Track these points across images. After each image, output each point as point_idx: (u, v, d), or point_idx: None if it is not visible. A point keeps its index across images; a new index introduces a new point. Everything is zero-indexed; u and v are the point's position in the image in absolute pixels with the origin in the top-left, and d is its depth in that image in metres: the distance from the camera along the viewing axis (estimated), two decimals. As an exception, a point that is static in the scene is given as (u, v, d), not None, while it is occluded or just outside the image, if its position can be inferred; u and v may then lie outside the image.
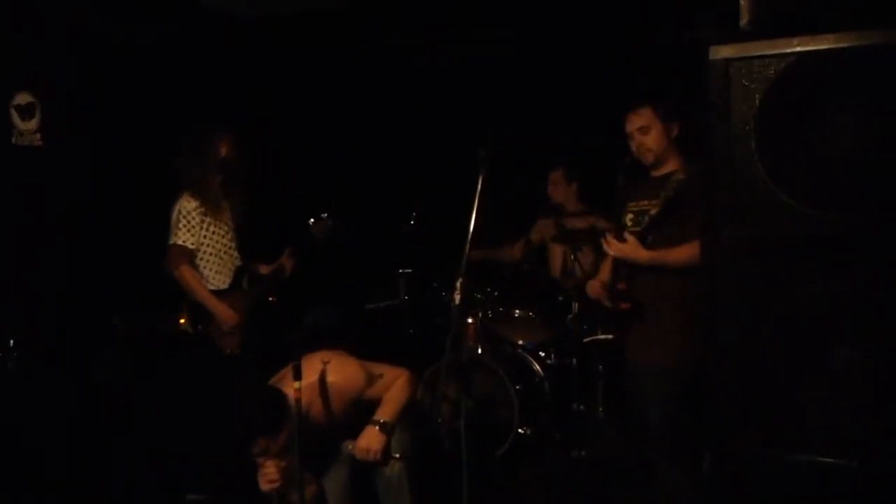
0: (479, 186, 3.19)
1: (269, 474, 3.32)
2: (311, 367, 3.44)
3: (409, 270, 5.71)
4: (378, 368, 3.61)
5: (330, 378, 3.47)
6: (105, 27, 4.80)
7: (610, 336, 4.96)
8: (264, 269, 4.67)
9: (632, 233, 3.56)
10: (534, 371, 5.26)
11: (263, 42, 5.54)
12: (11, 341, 4.31)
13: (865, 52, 2.22)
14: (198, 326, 4.34)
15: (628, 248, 3.55)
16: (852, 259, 2.23)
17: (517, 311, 5.56)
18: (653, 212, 3.51)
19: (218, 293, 4.36)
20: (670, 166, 3.64)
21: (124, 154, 4.73)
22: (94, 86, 4.76)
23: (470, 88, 6.10)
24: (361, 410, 3.56)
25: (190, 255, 4.32)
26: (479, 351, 5.26)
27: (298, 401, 3.23)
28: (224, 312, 4.30)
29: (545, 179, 5.67)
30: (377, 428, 3.46)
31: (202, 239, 4.35)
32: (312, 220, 4.52)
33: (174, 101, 4.96)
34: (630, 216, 3.68)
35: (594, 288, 3.78)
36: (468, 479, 3.08)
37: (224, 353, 4.34)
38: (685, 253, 3.43)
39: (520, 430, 5.00)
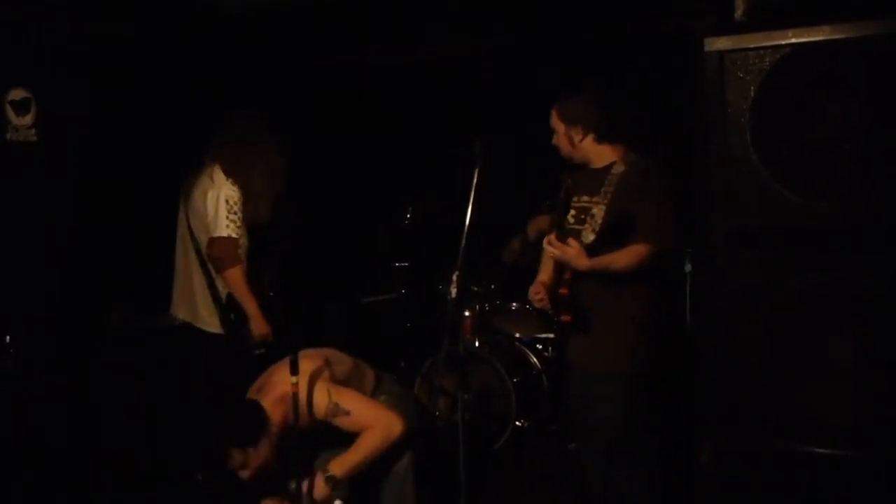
0: (474, 180, 3.18)
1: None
2: (274, 386, 3.37)
3: (406, 264, 5.71)
4: (350, 402, 3.37)
5: (300, 394, 3.27)
6: (99, 22, 4.79)
7: (551, 335, 5.00)
8: None
9: (573, 233, 3.37)
10: (531, 363, 5.26)
11: (256, 35, 5.52)
12: (7, 338, 4.31)
13: (860, 43, 2.23)
14: (229, 320, 4.18)
15: (570, 253, 3.28)
16: (848, 249, 2.24)
17: (514, 304, 5.56)
18: (596, 212, 3.36)
19: None
20: (608, 158, 3.50)
21: (119, 149, 4.71)
22: (90, 81, 4.75)
23: (467, 82, 6.08)
24: (326, 428, 3.42)
25: (239, 249, 4.12)
26: (477, 344, 5.27)
27: (296, 395, 3.23)
28: (261, 326, 4.14)
29: (542, 175, 5.67)
30: (323, 480, 3.29)
31: (242, 232, 4.17)
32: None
33: (168, 95, 4.94)
34: (572, 213, 3.47)
35: (535, 292, 3.57)
36: (466, 471, 3.09)
37: (250, 354, 4.17)
38: (627, 257, 3.30)
39: (517, 423, 5.01)
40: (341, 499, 3.35)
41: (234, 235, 4.10)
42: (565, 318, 3.41)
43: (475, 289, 5.45)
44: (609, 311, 3.39)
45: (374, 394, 3.61)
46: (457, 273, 3.19)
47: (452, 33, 5.80)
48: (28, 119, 4.60)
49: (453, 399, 4.57)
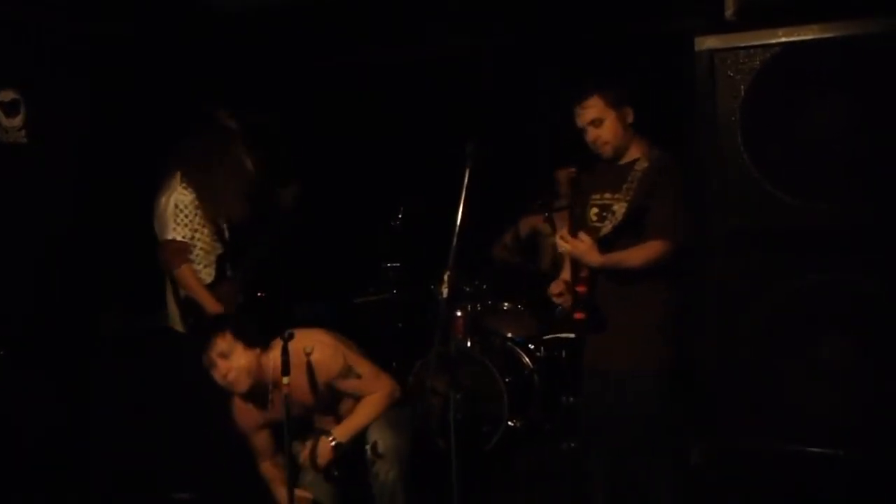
0: (466, 181, 3.18)
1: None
2: (303, 339, 3.45)
3: (398, 264, 5.70)
4: (361, 366, 3.57)
5: (314, 355, 3.46)
6: (98, 22, 4.77)
7: (571, 336, 4.99)
8: None
9: (594, 231, 3.33)
10: (523, 364, 5.26)
11: (250, 35, 5.51)
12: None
13: (849, 42, 2.23)
14: (189, 320, 4.29)
15: (582, 248, 3.24)
16: (839, 249, 2.24)
17: (506, 303, 5.56)
18: (617, 209, 3.28)
19: (207, 287, 4.28)
20: (633, 153, 3.36)
21: (109, 151, 4.69)
22: (85, 81, 4.73)
23: (463, 82, 6.08)
24: (336, 397, 3.58)
25: (186, 251, 4.22)
26: (469, 344, 5.26)
27: (288, 396, 3.24)
28: (215, 308, 4.22)
29: (532, 174, 5.68)
30: (331, 444, 3.45)
31: (194, 233, 4.26)
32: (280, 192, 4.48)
33: (160, 96, 4.92)
34: (594, 210, 3.42)
35: (556, 288, 3.46)
36: (458, 471, 3.08)
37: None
38: (641, 254, 3.21)
39: (509, 423, 5.00)
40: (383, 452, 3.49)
41: (179, 238, 4.19)
42: (578, 316, 3.35)
43: (467, 289, 5.44)
44: (628, 309, 3.30)
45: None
46: (448, 273, 3.19)
47: (452, 33, 5.80)
48: (18, 120, 4.59)
49: (445, 399, 4.56)
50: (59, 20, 4.62)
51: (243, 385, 3.44)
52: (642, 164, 3.27)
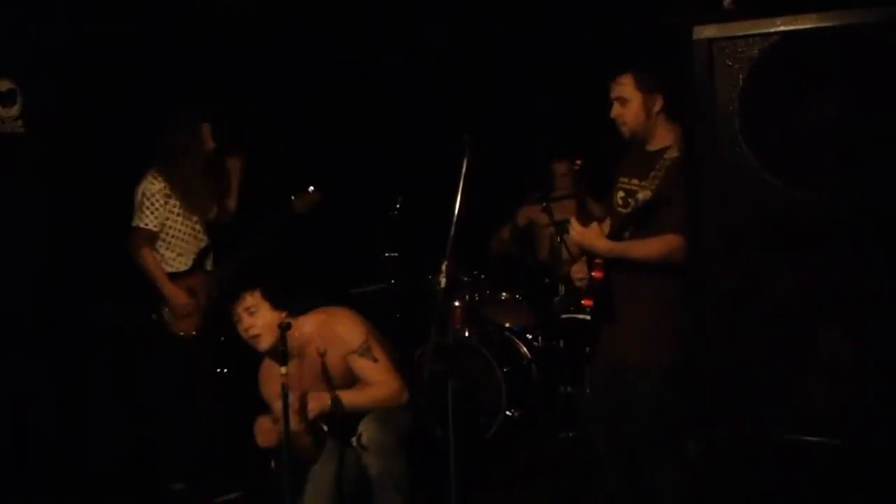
0: (464, 170, 3.17)
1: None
2: (333, 312, 3.68)
3: (396, 254, 5.69)
4: (379, 354, 3.60)
5: (338, 326, 3.60)
6: (87, 14, 4.75)
7: (588, 317, 4.98)
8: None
9: (618, 215, 3.32)
10: (521, 354, 5.27)
11: (246, 28, 5.50)
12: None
13: (849, 31, 2.21)
14: (151, 311, 4.35)
15: (588, 234, 3.27)
16: (838, 241, 2.23)
17: (504, 293, 5.56)
18: (641, 197, 3.19)
19: (176, 276, 4.35)
20: (665, 141, 3.28)
21: (106, 141, 4.69)
22: (76, 73, 4.72)
23: (457, 73, 6.07)
24: (348, 375, 3.61)
25: (152, 238, 4.31)
26: (466, 334, 5.27)
27: (285, 386, 3.24)
28: (176, 296, 4.30)
29: (530, 166, 5.69)
30: (330, 400, 3.49)
31: (165, 221, 4.32)
32: (294, 195, 4.51)
33: (155, 87, 4.91)
34: (621, 195, 3.37)
35: (578, 271, 3.47)
36: (455, 461, 3.08)
37: (176, 337, 4.36)
38: (657, 247, 3.17)
39: (507, 413, 5.01)
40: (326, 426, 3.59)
41: (142, 226, 4.28)
42: (587, 302, 3.37)
43: (465, 279, 5.45)
44: (637, 303, 3.26)
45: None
46: (445, 263, 3.20)
47: (451, 33, 5.79)
48: (15, 110, 4.57)
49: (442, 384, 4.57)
50: (58, 19, 4.62)
51: (265, 342, 3.54)
52: (672, 154, 3.20)
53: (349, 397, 3.53)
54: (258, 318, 3.54)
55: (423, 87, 6.15)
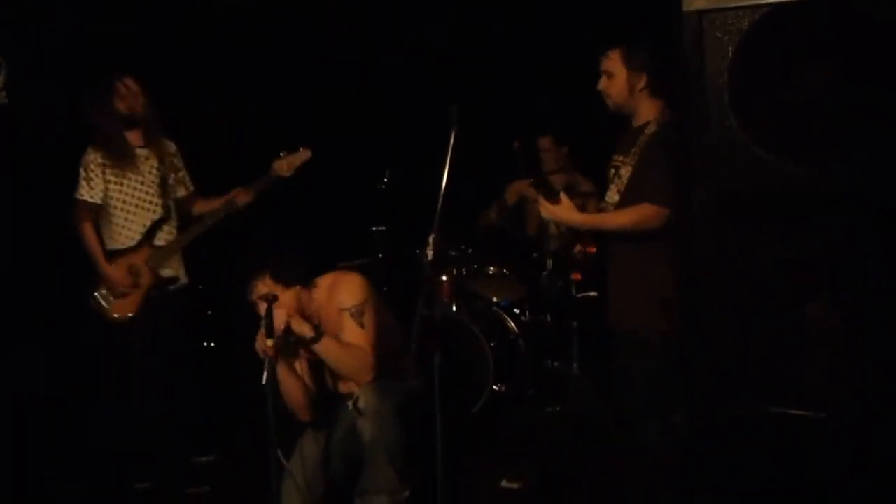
0: (451, 143, 3.15)
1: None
2: (340, 273, 3.75)
3: (383, 228, 5.68)
4: (369, 323, 3.57)
5: (341, 284, 3.63)
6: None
7: (595, 293, 4.99)
8: (203, 207, 4.41)
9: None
10: (508, 328, 5.27)
11: (236, 7, 5.47)
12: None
13: (839, 4, 2.20)
14: (90, 292, 4.16)
15: (560, 210, 3.45)
16: (828, 213, 2.22)
17: (492, 268, 5.56)
18: (623, 173, 3.36)
19: (119, 252, 4.15)
20: (645, 116, 3.40)
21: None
22: (60, 45, 4.67)
23: (444, 47, 6.04)
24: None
25: (92, 210, 4.14)
26: (454, 308, 5.26)
27: (272, 360, 3.23)
28: (110, 274, 4.10)
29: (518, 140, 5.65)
30: (310, 325, 3.46)
31: (108, 192, 4.15)
32: (277, 158, 4.25)
33: (144, 60, 4.85)
34: (611, 172, 3.49)
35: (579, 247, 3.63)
36: (442, 436, 3.08)
37: (110, 321, 4.14)
38: (628, 216, 3.28)
39: (494, 388, 5.02)
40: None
41: (81, 197, 4.14)
42: (576, 276, 3.45)
43: (452, 253, 5.44)
44: (625, 271, 3.38)
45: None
46: (433, 236, 3.19)
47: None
48: (-1, 82, 4.52)
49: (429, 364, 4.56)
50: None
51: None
52: (651, 129, 3.33)
53: (328, 342, 3.49)
54: (275, 303, 3.43)
55: (412, 59, 6.12)
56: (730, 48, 2.30)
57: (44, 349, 4.41)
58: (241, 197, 4.28)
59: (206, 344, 5.46)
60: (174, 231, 4.31)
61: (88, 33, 4.74)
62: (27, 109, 4.43)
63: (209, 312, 5.48)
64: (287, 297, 3.48)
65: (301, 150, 4.26)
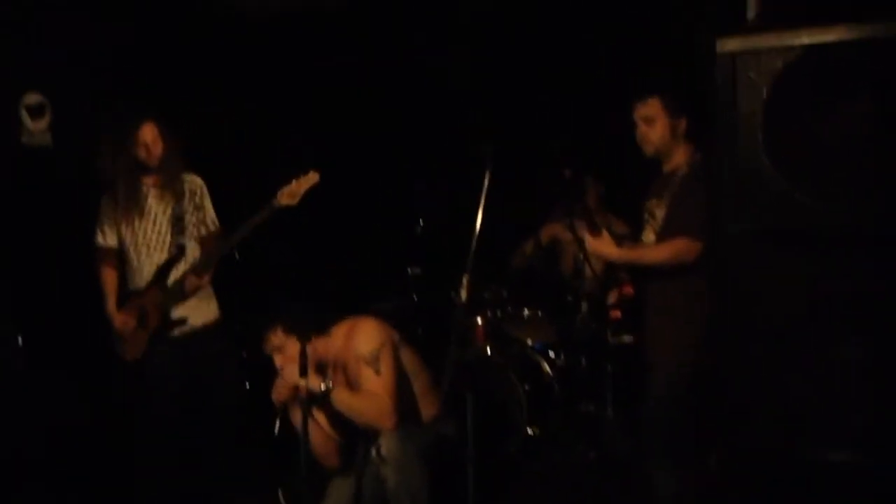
0: (486, 183, 3.17)
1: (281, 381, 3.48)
2: (354, 320, 3.70)
3: (419, 270, 5.68)
4: (386, 368, 3.52)
5: (356, 331, 3.60)
6: (113, 26, 4.82)
7: (631, 338, 4.96)
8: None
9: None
10: (543, 371, 5.22)
11: (274, 40, 5.55)
12: (20, 340, 4.31)
13: (872, 44, 2.20)
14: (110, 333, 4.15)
15: (601, 244, 3.54)
16: (861, 253, 2.21)
17: (526, 310, 5.53)
18: (658, 214, 3.45)
19: (132, 294, 4.13)
20: (677, 160, 3.49)
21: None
22: (105, 85, 4.77)
23: (480, 86, 6.07)
24: (351, 380, 3.59)
25: (111, 255, 4.18)
26: (488, 351, 5.24)
27: (304, 398, 3.24)
28: (113, 319, 4.09)
29: (555, 181, 5.65)
30: (322, 381, 3.46)
31: (122, 236, 4.15)
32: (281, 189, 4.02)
33: (184, 98, 4.94)
34: (646, 217, 3.59)
35: (613, 297, 3.79)
36: (475, 479, 3.06)
37: (126, 360, 4.12)
38: (662, 251, 3.37)
39: (528, 431, 4.97)
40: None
41: (98, 242, 4.18)
42: (615, 313, 3.66)
43: (486, 295, 5.42)
44: (661, 307, 3.43)
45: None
46: (466, 276, 3.19)
47: (453, 41, 5.82)
48: (43, 123, 4.64)
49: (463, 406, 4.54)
50: (75, 22, 4.66)
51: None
52: (683, 171, 3.42)
53: (341, 395, 3.49)
54: (288, 353, 3.47)
55: (447, 97, 6.15)
56: (764, 88, 2.31)
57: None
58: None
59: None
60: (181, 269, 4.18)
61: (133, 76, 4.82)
62: (72, 150, 4.53)
63: (244, 355, 5.48)
64: (300, 349, 3.40)
65: (310, 173, 4.04)
